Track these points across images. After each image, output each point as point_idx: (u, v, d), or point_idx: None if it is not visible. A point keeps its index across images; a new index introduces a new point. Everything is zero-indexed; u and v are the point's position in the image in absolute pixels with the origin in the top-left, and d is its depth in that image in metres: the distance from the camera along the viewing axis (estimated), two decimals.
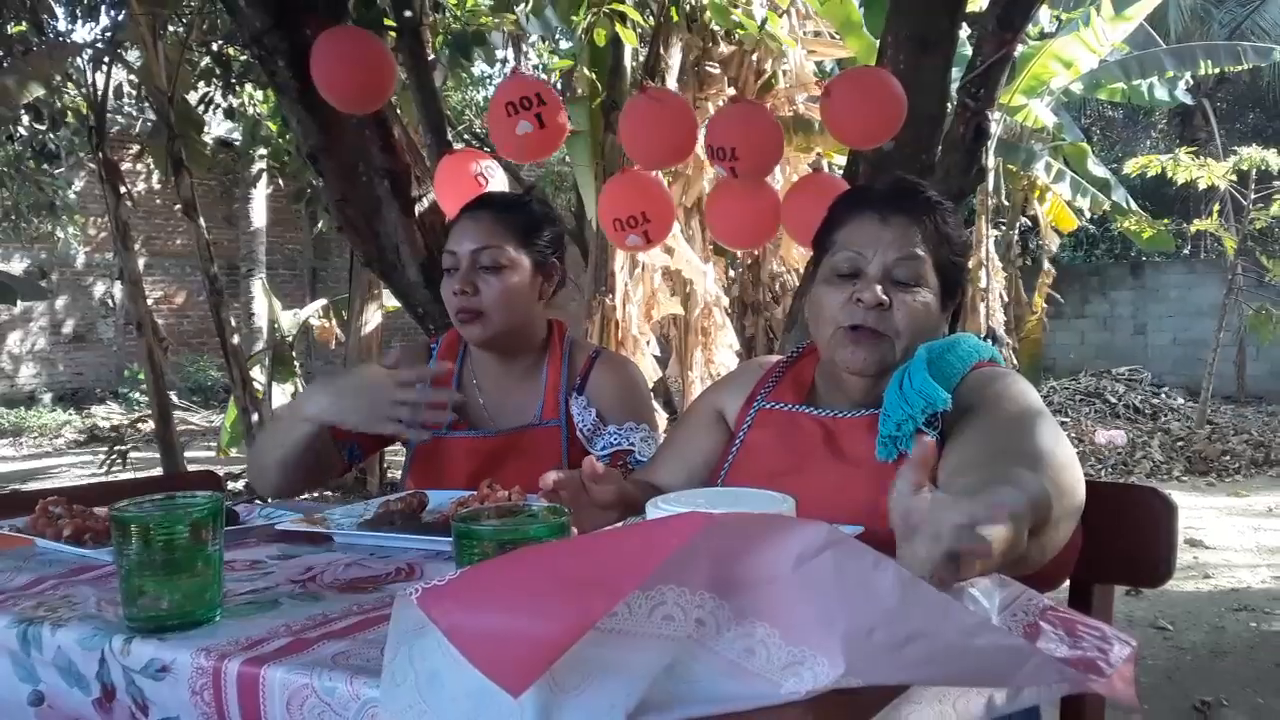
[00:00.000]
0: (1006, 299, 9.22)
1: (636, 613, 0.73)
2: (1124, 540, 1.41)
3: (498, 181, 3.04)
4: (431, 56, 4.85)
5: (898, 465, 1.25)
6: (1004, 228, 9.84)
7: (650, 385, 5.52)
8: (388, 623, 0.95)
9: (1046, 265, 10.04)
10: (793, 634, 0.74)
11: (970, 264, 8.48)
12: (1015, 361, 9.02)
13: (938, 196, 1.42)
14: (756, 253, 6.55)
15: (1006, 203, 9.64)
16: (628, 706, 0.71)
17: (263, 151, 9.55)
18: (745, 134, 2.85)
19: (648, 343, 5.52)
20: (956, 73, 3.03)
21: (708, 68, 5.65)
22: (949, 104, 2.94)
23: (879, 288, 1.32)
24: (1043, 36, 8.04)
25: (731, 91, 5.57)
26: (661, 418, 5.07)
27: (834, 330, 1.36)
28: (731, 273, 6.80)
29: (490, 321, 1.74)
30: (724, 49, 5.78)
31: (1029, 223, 10.15)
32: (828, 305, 1.37)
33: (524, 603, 0.69)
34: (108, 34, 6.62)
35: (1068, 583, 1.39)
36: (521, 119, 2.82)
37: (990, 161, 7.36)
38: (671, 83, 5.12)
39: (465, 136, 9.78)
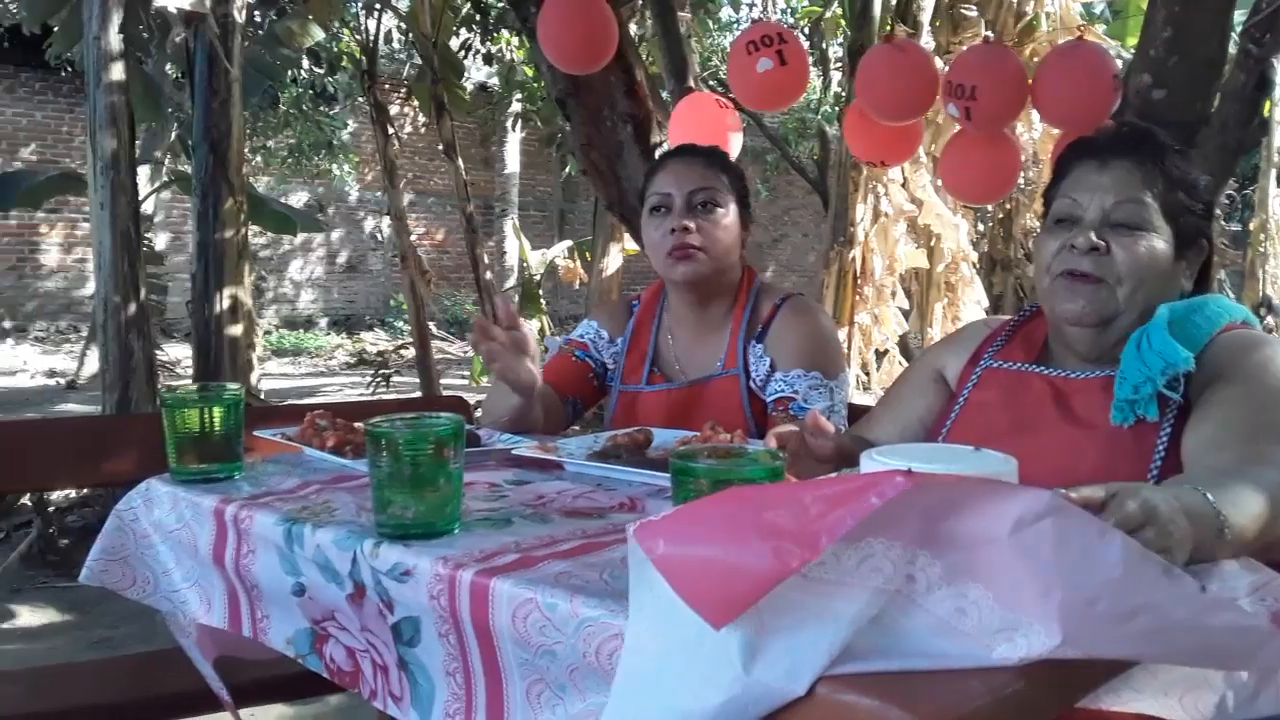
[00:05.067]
0: None
1: (845, 563, 0.73)
2: None
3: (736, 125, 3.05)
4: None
5: (1134, 431, 1.20)
6: None
7: (896, 339, 5.39)
8: (608, 548, 1.01)
9: None
10: (1007, 599, 0.73)
11: (1252, 226, 7.84)
12: None
13: (1167, 139, 1.33)
14: (1009, 206, 6.23)
15: None
16: (832, 651, 0.72)
17: (518, 96, 9.92)
18: (987, 75, 2.69)
19: (893, 294, 5.37)
20: (1240, 15, 2.76)
21: (963, 10, 5.38)
22: (1229, 50, 2.68)
23: (1093, 232, 1.27)
24: None
25: (988, 35, 5.29)
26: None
27: (1050, 280, 1.32)
28: (980, 227, 6.50)
29: (704, 259, 1.77)
30: None
31: None
32: (1043, 254, 1.33)
33: (729, 543, 0.71)
34: None
35: None
36: (762, 56, 2.79)
37: (1277, 114, 6.67)
38: (924, 26, 4.92)
39: (710, 83, 9.78)
